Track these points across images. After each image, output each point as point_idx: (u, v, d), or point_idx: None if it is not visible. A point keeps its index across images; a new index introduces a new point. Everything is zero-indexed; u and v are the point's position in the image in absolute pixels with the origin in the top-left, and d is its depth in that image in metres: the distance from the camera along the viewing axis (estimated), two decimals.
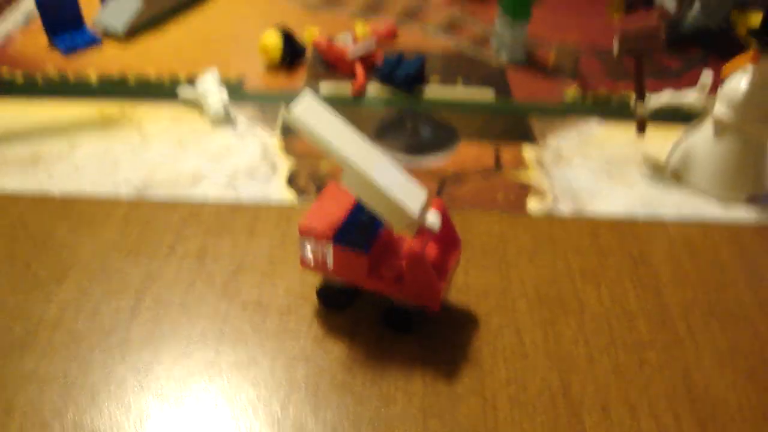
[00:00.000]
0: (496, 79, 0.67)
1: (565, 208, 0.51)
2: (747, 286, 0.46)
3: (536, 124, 0.60)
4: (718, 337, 0.42)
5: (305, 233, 0.40)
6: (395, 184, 0.37)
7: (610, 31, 0.75)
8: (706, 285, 0.46)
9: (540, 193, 0.52)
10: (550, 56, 0.71)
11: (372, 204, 0.38)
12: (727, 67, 0.52)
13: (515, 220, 0.50)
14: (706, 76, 0.52)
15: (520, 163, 0.55)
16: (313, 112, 0.37)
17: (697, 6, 0.73)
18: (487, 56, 0.70)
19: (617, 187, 0.54)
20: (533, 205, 0.51)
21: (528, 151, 0.57)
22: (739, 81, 0.51)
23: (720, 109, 0.52)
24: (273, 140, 0.57)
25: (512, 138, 0.58)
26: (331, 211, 0.41)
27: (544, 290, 0.45)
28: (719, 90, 0.52)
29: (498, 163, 0.55)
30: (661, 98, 0.55)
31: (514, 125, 0.60)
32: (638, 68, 0.53)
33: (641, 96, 0.55)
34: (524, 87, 0.66)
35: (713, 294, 0.45)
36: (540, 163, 0.56)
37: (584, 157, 0.57)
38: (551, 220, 0.50)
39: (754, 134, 0.52)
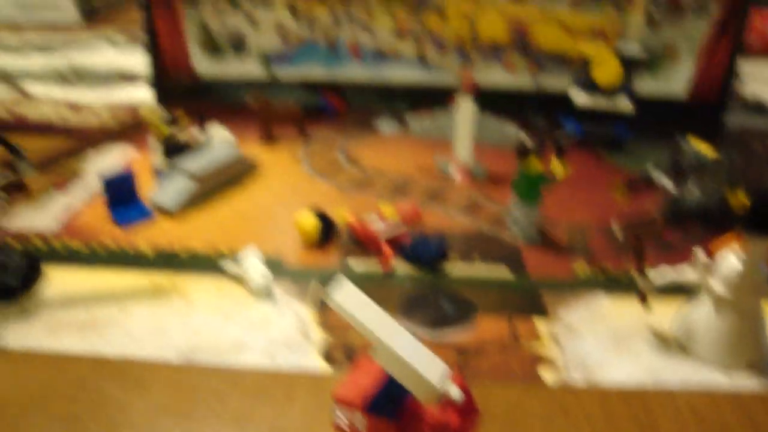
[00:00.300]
0: (511, 256, 0.73)
1: (576, 378, 0.56)
2: None
3: (549, 299, 0.66)
4: None
5: (340, 402, 0.45)
6: (420, 359, 0.42)
7: (616, 209, 0.82)
8: None
9: (553, 364, 0.57)
10: (561, 234, 0.78)
11: (400, 377, 0.43)
12: (717, 245, 0.57)
13: (530, 390, 0.55)
14: (701, 254, 0.58)
15: (534, 335, 0.60)
16: (348, 295, 0.43)
17: (694, 185, 0.80)
18: (504, 235, 0.77)
19: (625, 358, 0.58)
20: (547, 375, 0.56)
21: (541, 324, 0.62)
22: (730, 259, 0.57)
23: (715, 284, 0.58)
24: (308, 313, 0.63)
25: (527, 312, 0.64)
26: (364, 381, 0.46)
27: None
28: (714, 268, 0.58)
29: (514, 336, 0.60)
30: (661, 274, 0.60)
31: (529, 300, 0.66)
32: (638, 247, 0.60)
33: (642, 272, 0.60)
34: (537, 263, 0.72)
35: None
36: (552, 336, 0.61)
37: (594, 330, 0.62)
38: (564, 389, 0.55)
39: (749, 307, 0.57)
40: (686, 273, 0.60)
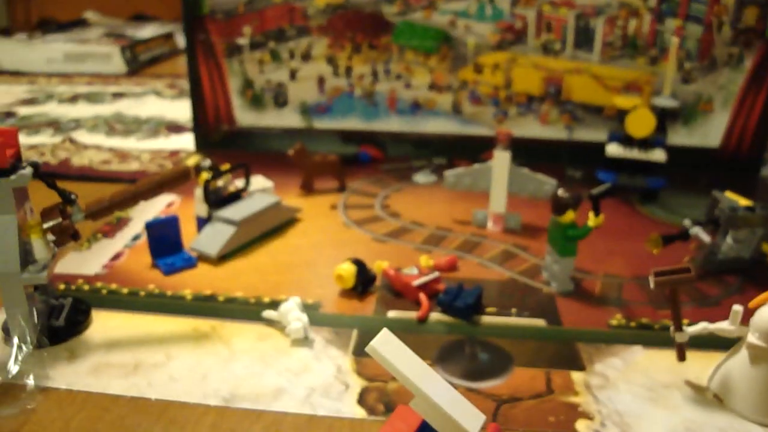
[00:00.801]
0: (546, 307, 0.74)
1: (612, 430, 0.56)
2: None
3: (584, 350, 0.66)
4: None
5: None
6: (458, 409, 0.43)
7: (652, 261, 0.82)
8: None
9: (588, 416, 0.57)
10: (597, 286, 0.78)
11: (438, 426, 0.44)
12: (756, 301, 0.58)
13: None
14: (738, 307, 0.59)
15: (569, 387, 0.61)
16: (388, 344, 0.45)
17: (729, 238, 0.81)
18: (539, 286, 0.78)
19: (661, 411, 0.58)
20: (582, 427, 0.56)
21: (577, 376, 0.62)
22: (766, 311, 0.57)
23: (752, 337, 0.58)
24: (346, 361, 0.64)
25: (562, 363, 0.64)
26: (402, 430, 0.47)
27: None
28: (751, 320, 0.58)
29: (549, 387, 0.61)
30: (697, 327, 0.61)
31: (565, 351, 0.66)
32: (673, 300, 0.60)
33: (678, 326, 0.60)
34: (573, 315, 0.72)
35: None
36: (588, 388, 0.61)
37: (629, 382, 0.62)
38: None
39: None
40: (723, 326, 0.60)
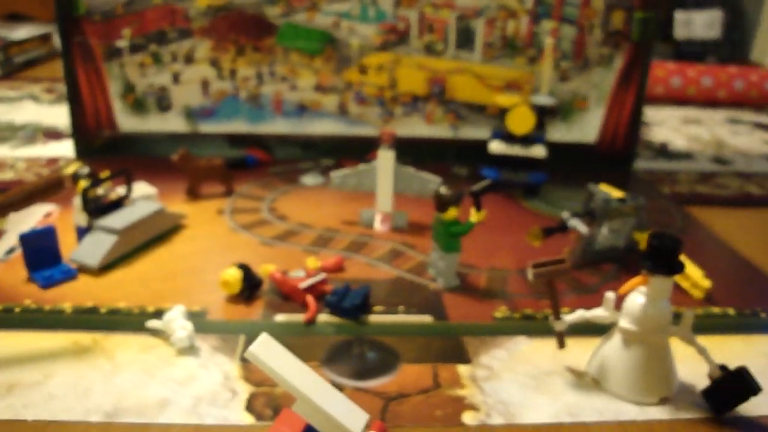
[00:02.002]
0: (433, 303, 0.75)
1: (497, 420, 0.57)
2: None
3: (470, 344, 0.68)
4: None
5: None
6: (340, 409, 0.44)
7: (534, 253, 0.85)
8: None
9: (474, 408, 0.59)
10: (482, 280, 0.80)
11: (321, 427, 0.44)
12: (624, 287, 0.60)
13: None
14: (610, 294, 0.62)
15: (456, 381, 0.62)
16: (268, 349, 0.44)
17: (605, 228, 0.84)
18: (425, 283, 0.79)
19: (544, 398, 0.61)
20: (469, 419, 0.57)
21: (463, 369, 0.64)
22: (636, 298, 0.61)
23: (624, 322, 0.61)
24: (233, 368, 0.63)
25: (449, 357, 0.66)
26: None
27: None
28: (622, 305, 0.61)
29: (436, 382, 0.62)
30: (574, 315, 0.63)
31: (451, 345, 0.68)
32: (551, 290, 0.62)
33: (557, 315, 0.63)
34: (459, 310, 0.74)
35: None
36: (474, 380, 0.62)
37: (513, 372, 0.64)
38: None
39: (655, 342, 0.61)
40: (598, 313, 0.63)
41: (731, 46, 2.35)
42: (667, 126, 1.65)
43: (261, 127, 1.18)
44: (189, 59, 1.14)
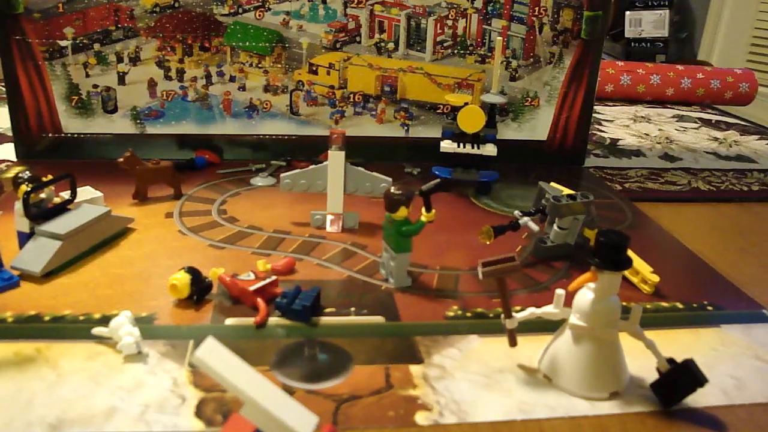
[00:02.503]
0: (385, 303, 0.75)
1: (450, 419, 0.57)
2: None
3: (422, 343, 0.67)
4: None
5: None
6: (289, 413, 0.43)
7: (486, 251, 0.85)
8: None
9: (427, 408, 0.58)
10: (434, 279, 0.80)
11: (269, 431, 0.43)
12: (573, 284, 0.61)
13: None
14: (560, 290, 0.62)
15: (408, 380, 0.62)
16: (215, 353, 0.43)
17: (556, 226, 0.85)
18: (377, 283, 0.79)
19: (496, 396, 0.60)
20: (421, 419, 0.57)
21: (415, 369, 0.63)
22: (585, 294, 0.61)
23: (574, 319, 0.61)
24: (182, 373, 0.62)
25: (401, 358, 0.65)
26: None
27: None
28: (572, 302, 0.62)
29: (388, 383, 0.61)
30: (525, 312, 0.64)
31: (403, 346, 0.67)
32: (501, 288, 0.62)
33: (508, 313, 0.63)
34: (411, 309, 0.74)
35: None
36: (426, 380, 0.62)
37: (466, 371, 0.64)
38: (438, 431, 0.56)
39: (605, 338, 0.61)
40: (549, 310, 0.63)
41: (679, 45, 2.40)
42: (618, 123, 1.67)
43: (210, 129, 1.16)
44: (135, 59, 1.12)
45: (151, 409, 0.57)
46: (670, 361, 0.60)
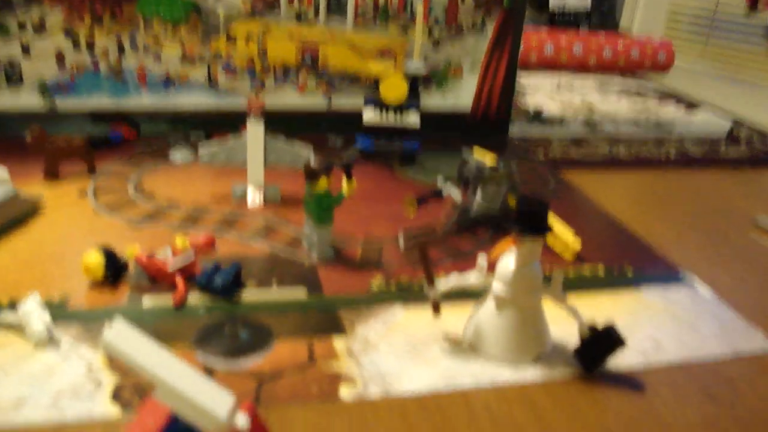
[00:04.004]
0: (308, 277, 0.73)
1: (375, 391, 0.56)
2: None
3: (345, 316, 0.67)
4: None
5: None
6: (203, 392, 0.41)
7: (410, 222, 0.85)
8: None
9: (351, 381, 0.58)
10: (358, 251, 0.79)
11: (184, 413, 0.41)
12: (494, 251, 0.61)
13: (329, 409, 0.55)
14: (482, 259, 0.62)
15: (332, 354, 0.61)
16: (123, 336, 0.41)
17: (479, 195, 0.85)
18: (300, 257, 0.77)
19: (421, 367, 0.60)
20: (346, 392, 0.56)
21: (339, 343, 0.63)
22: (507, 261, 0.61)
23: (497, 285, 0.61)
24: (97, 357, 0.59)
25: (324, 331, 0.64)
26: (149, 424, 0.44)
27: None
28: (495, 270, 0.62)
29: (311, 357, 0.60)
30: (448, 282, 0.63)
31: (326, 319, 0.66)
32: (424, 258, 0.61)
33: (431, 281, 0.62)
34: (334, 282, 0.73)
35: None
36: (350, 353, 0.61)
37: (390, 343, 0.63)
38: (362, 404, 0.55)
39: (528, 304, 0.61)
40: (471, 279, 0.63)
41: (602, 15, 2.43)
42: (541, 93, 1.69)
43: (125, 103, 1.11)
44: (40, 29, 1.06)
45: (65, 396, 0.55)
46: (591, 326, 0.61)
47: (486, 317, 0.62)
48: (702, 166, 1.22)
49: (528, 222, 0.58)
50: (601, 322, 0.61)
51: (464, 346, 0.63)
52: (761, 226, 0.93)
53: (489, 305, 0.62)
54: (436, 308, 0.64)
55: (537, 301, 0.62)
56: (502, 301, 0.61)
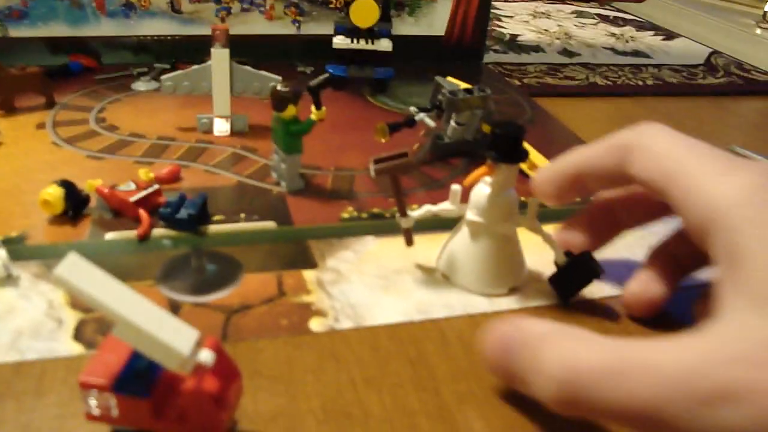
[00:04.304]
0: (277, 208, 0.71)
1: (346, 324, 0.55)
2: None
3: (316, 247, 0.65)
4: (494, 423, 0.47)
5: (86, 387, 0.41)
6: (164, 328, 0.39)
7: (383, 150, 0.82)
8: (478, 375, 0.51)
9: (322, 314, 0.56)
10: (328, 181, 0.77)
11: (145, 350, 0.39)
12: (469, 178, 0.58)
13: (300, 342, 0.53)
14: (455, 186, 0.60)
15: (301, 287, 0.59)
16: (77, 270, 0.39)
17: (453, 121, 0.83)
18: (268, 187, 0.75)
19: (393, 298, 0.59)
20: (316, 325, 0.55)
21: (309, 274, 0.61)
22: (482, 189, 0.59)
23: (471, 214, 0.59)
24: (58, 295, 0.57)
25: (294, 264, 0.62)
26: (110, 361, 0.42)
27: (330, 405, 0.48)
28: (469, 198, 0.60)
29: (281, 290, 0.59)
30: (421, 211, 0.61)
31: (296, 251, 0.64)
32: (395, 186, 0.59)
33: (403, 211, 0.60)
34: (304, 213, 0.71)
35: (486, 382, 0.51)
36: (320, 285, 0.60)
37: (361, 273, 0.62)
38: (333, 336, 0.54)
39: (503, 233, 0.60)
40: (445, 207, 0.61)
41: None
42: (517, 19, 1.65)
43: (84, 30, 1.06)
44: None
45: (24, 336, 0.52)
46: (567, 254, 0.60)
47: (460, 246, 0.61)
48: (679, 94, 1.21)
49: (503, 147, 0.56)
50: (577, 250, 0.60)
51: (438, 276, 0.62)
52: (736, 154, 0.92)
53: (463, 234, 0.61)
54: (409, 238, 0.62)
55: (512, 229, 0.60)
56: (477, 228, 0.59)
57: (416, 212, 0.61)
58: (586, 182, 0.57)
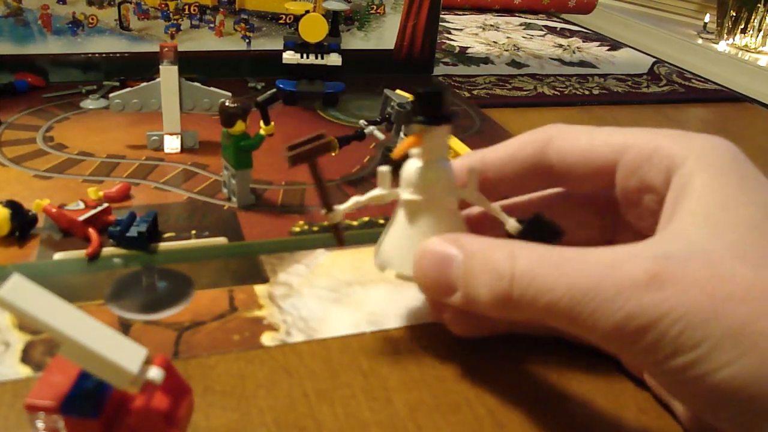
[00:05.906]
0: (228, 223, 0.71)
1: (298, 337, 0.56)
2: (461, 375, 0.53)
3: (267, 262, 0.65)
4: (444, 429, 0.48)
5: (32, 409, 0.40)
6: (111, 346, 0.39)
7: (333, 163, 0.83)
8: (428, 382, 0.52)
9: (273, 328, 0.56)
10: (279, 195, 0.77)
11: (92, 369, 0.39)
12: (397, 150, 0.53)
13: (252, 357, 0.54)
14: (383, 168, 0.54)
15: (253, 302, 0.59)
16: (21, 292, 0.39)
17: (402, 134, 0.84)
18: (220, 203, 0.75)
19: (345, 310, 0.59)
20: (268, 339, 0.55)
21: (260, 289, 0.61)
22: (413, 163, 0.52)
23: (406, 194, 0.53)
24: (5, 317, 0.56)
25: (245, 279, 0.63)
26: (58, 382, 0.42)
27: (283, 418, 0.48)
28: (400, 179, 0.53)
29: (232, 306, 0.59)
30: (349, 203, 0.55)
31: (247, 266, 0.65)
32: (315, 175, 0.54)
33: (327, 205, 0.55)
34: (255, 228, 0.71)
35: (435, 388, 0.51)
36: (272, 299, 0.60)
37: (313, 287, 0.62)
38: (285, 351, 0.54)
39: (444, 208, 0.53)
40: (376, 193, 0.55)
41: None
42: (467, 32, 1.68)
43: (30, 48, 1.05)
44: None
45: None
46: (519, 221, 0.53)
47: (398, 231, 0.54)
48: (624, 103, 1.24)
49: (428, 109, 0.51)
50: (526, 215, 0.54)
51: (375, 267, 0.55)
52: None
53: (399, 217, 0.55)
54: (339, 235, 0.57)
55: (453, 203, 0.54)
56: (414, 207, 0.53)
57: (344, 205, 0.55)
58: (491, 179, 0.55)
